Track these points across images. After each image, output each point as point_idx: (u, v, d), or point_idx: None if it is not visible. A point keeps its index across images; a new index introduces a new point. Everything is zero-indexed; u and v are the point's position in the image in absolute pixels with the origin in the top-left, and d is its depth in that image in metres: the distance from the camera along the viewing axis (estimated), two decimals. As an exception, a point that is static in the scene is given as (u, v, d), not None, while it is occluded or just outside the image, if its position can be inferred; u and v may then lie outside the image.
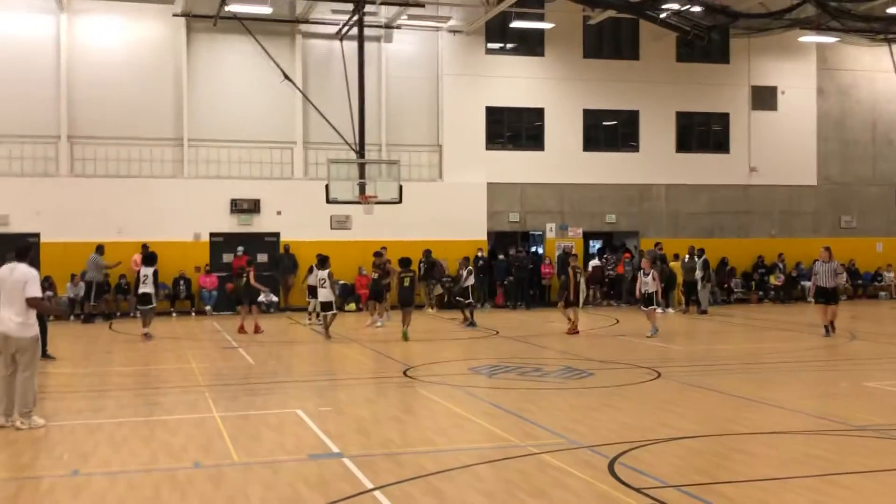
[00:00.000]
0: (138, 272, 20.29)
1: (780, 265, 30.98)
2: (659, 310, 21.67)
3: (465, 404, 11.76)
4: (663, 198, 30.88)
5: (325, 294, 19.71)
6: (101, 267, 24.69)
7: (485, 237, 29.26)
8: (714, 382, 13.39)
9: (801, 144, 31.98)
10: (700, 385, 13.19)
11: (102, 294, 25.01)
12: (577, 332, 20.32)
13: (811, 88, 32.20)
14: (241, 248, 26.42)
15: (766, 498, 7.51)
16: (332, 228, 27.02)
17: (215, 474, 8.29)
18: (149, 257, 20.36)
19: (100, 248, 24.86)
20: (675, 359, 16.72)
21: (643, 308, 20.46)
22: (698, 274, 26.18)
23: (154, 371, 15.41)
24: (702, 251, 27.02)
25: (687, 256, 26.86)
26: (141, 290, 19.84)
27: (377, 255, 22.66)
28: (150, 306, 20.04)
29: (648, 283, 19.97)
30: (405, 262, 20.20)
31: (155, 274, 20.05)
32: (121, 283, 25.73)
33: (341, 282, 27.19)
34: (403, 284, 20.01)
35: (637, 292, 20.51)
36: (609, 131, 30.92)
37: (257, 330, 20.93)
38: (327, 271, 19.75)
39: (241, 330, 20.82)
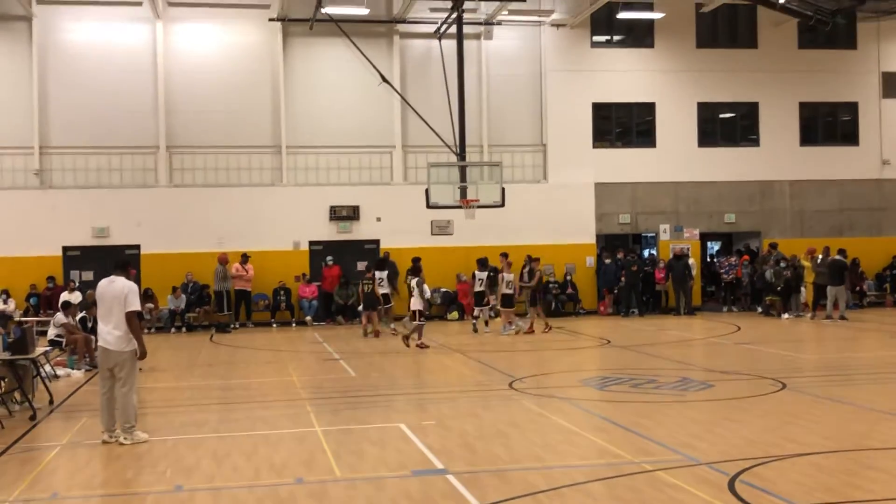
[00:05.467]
0: (373, 276, 22.40)
1: (918, 265, 28.72)
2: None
3: (575, 418, 11.38)
4: (787, 195, 29.06)
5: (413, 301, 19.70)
6: (227, 277, 24.68)
7: (593, 240, 28.05)
8: (845, 394, 12.71)
9: (939, 133, 29.77)
10: (829, 397, 12.51)
11: (230, 304, 24.89)
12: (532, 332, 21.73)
13: (948, 72, 29.93)
14: (330, 259, 26.17)
15: (903, 519, 7.04)
16: (432, 234, 26.48)
17: (318, 490, 8.22)
18: (381, 261, 23.37)
19: (222, 258, 24.87)
20: (801, 368, 15.88)
21: (501, 308, 21.95)
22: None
23: (255, 384, 15.31)
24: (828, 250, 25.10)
25: (819, 257, 24.90)
26: (381, 291, 22.14)
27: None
28: (389, 305, 22.49)
29: (509, 284, 21.56)
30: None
31: (389, 277, 22.55)
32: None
33: (442, 289, 26.42)
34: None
35: (497, 295, 21.98)
36: (726, 125, 29.37)
37: (377, 335, 21.93)
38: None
39: (376, 334, 21.99)
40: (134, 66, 25.79)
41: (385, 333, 22.28)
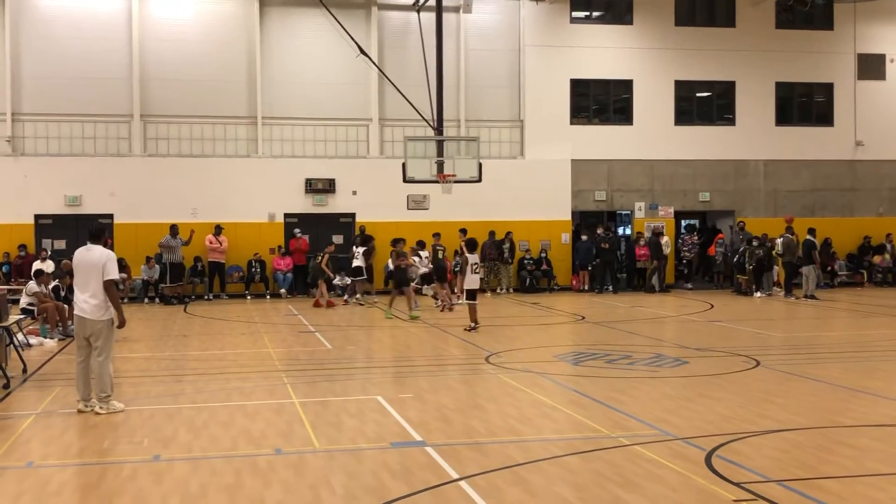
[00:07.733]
0: (354, 249, 23.92)
1: (889, 245, 28.94)
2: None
3: (550, 393, 11.39)
4: (761, 174, 29.09)
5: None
6: (171, 248, 24.32)
7: (569, 217, 27.97)
8: (817, 372, 12.77)
9: (911, 116, 29.89)
10: (802, 374, 12.55)
11: (180, 276, 24.70)
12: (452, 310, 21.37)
13: (923, 56, 29.99)
14: (297, 231, 26.09)
15: (875, 494, 7.08)
16: (408, 209, 26.01)
17: (297, 461, 8.22)
18: (361, 238, 24.37)
19: (173, 229, 24.49)
20: (774, 346, 15.82)
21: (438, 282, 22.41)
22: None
23: (230, 355, 15.23)
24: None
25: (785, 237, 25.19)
26: (354, 264, 23.68)
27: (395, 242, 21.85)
28: (362, 277, 23.78)
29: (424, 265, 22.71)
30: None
31: (365, 252, 23.71)
32: (196, 266, 25.21)
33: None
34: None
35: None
36: (703, 103, 29.30)
37: (330, 304, 22.97)
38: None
39: (317, 304, 22.95)
40: (108, 34, 25.30)
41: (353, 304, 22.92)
